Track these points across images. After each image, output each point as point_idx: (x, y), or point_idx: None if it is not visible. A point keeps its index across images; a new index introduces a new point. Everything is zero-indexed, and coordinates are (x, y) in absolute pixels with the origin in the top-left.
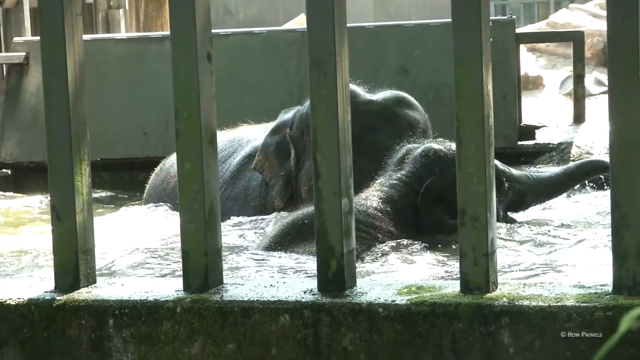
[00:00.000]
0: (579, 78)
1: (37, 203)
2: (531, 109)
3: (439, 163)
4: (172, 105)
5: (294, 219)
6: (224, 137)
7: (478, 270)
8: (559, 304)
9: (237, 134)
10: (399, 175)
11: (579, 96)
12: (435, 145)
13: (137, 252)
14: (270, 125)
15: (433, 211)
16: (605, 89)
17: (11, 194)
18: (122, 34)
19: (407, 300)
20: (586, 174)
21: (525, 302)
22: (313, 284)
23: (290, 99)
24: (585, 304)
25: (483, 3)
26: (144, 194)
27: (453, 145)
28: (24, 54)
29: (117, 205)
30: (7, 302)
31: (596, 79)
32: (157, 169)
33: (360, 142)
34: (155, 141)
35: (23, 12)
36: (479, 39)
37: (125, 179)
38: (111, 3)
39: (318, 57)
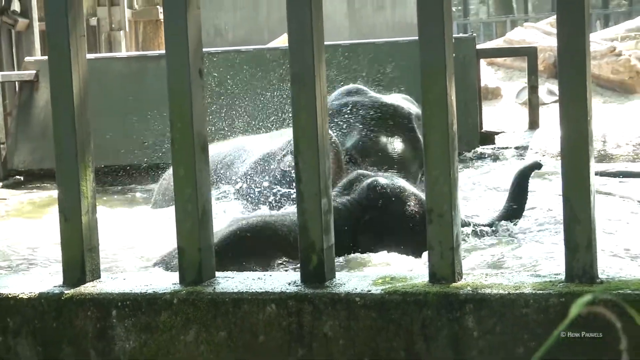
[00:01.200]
0: (533, 89)
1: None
2: (491, 117)
3: (382, 197)
4: (168, 116)
5: (238, 228)
6: (227, 144)
7: (444, 263)
8: (517, 291)
9: (239, 143)
10: (344, 200)
11: (533, 105)
12: (382, 180)
13: (137, 248)
14: (270, 135)
15: (370, 244)
16: (556, 98)
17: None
18: (123, 53)
19: (381, 290)
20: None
21: (487, 290)
22: (296, 276)
23: (272, 108)
24: (540, 291)
25: (446, 22)
26: (152, 198)
27: (399, 181)
28: (35, 72)
29: (120, 205)
30: (19, 296)
31: (548, 89)
32: (165, 174)
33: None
34: (153, 149)
35: (33, 35)
36: (443, 54)
37: (126, 183)
38: (113, 25)
39: (299, 72)
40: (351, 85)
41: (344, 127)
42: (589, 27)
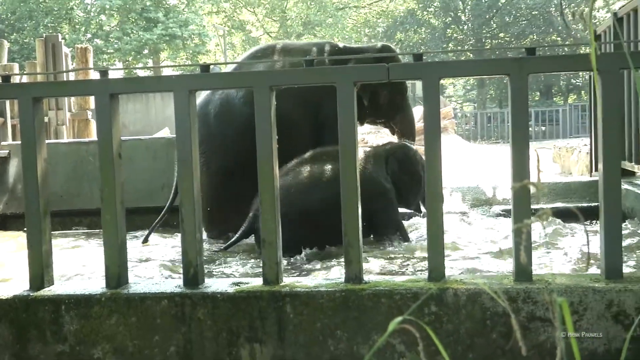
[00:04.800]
0: None
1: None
2: None
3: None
4: (93, 179)
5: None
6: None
7: (272, 272)
8: (317, 289)
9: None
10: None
11: None
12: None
13: (80, 265)
14: None
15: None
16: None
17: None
18: (65, 139)
19: (234, 290)
20: None
21: (299, 289)
22: (180, 282)
23: (163, 182)
24: (330, 289)
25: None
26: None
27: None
28: (7, 151)
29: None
30: (0, 297)
31: None
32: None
33: None
34: (84, 200)
35: (7, 128)
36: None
37: (76, 222)
38: (58, 122)
39: (183, 157)
40: None
41: None
42: (356, 130)
